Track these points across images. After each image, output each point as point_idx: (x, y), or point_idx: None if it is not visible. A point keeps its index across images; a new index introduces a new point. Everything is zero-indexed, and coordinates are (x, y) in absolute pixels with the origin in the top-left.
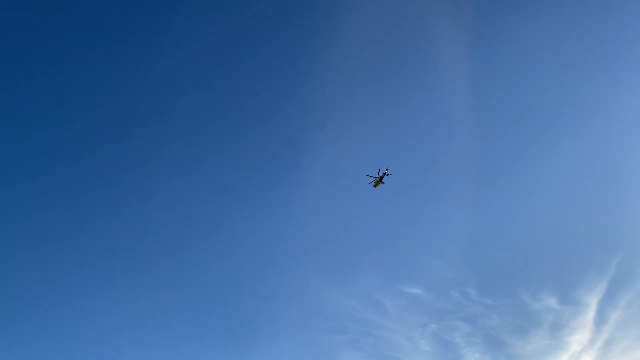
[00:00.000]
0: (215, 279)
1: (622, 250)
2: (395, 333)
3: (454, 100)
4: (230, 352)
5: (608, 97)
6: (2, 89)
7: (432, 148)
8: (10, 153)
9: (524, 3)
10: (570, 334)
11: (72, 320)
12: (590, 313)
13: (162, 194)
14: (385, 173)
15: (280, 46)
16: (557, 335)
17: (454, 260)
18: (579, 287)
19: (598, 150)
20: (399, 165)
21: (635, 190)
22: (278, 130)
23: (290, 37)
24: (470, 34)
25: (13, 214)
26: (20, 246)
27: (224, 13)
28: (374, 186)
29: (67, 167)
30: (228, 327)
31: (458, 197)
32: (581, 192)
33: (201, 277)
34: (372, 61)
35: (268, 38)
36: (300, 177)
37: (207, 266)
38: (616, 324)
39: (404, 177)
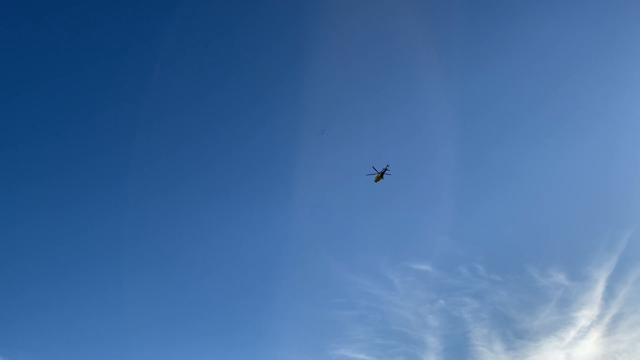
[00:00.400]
0: (226, 259)
1: (632, 226)
2: (403, 309)
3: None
4: (241, 330)
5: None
6: (5, 90)
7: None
8: (11, 155)
9: (516, 7)
10: (579, 309)
11: (74, 321)
12: (599, 289)
13: (170, 189)
14: (386, 169)
15: (278, 50)
16: (565, 311)
17: (462, 237)
18: (588, 263)
19: (610, 128)
20: (407, 149)
21: None
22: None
23: (286, 42)
24: (463, 37)
25: (14, 215)
26: (22, 247)
27: (221, 15)
28: (375, 181)
29: (65, 170)
30: (238, 306)
31: (467, 175)
32: (592, 168)
33: (211, 260)
34: (367, 65)
35: (266, 42)
36: (307, 161)
37: (217, 249)
38: (625, 300)
39: (414, 157)
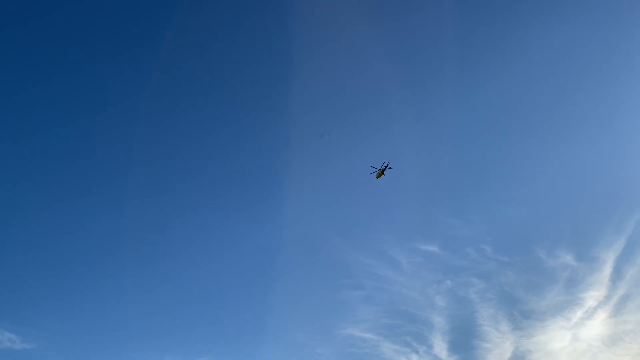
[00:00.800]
0: (234, 242)
1: None
2: (410, 289)
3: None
4: (251, 309)
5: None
6: (5, 90)
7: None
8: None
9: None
10: (586, 290)
11: (72, 319)
12: (607, 270)
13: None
14: (387, 166)
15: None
16: (572, 291)
17: (469, 218)
18: (596, 245)
19: (620, 109)
20: (415, 132)
21: None
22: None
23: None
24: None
25: (14, 213)
26: (22, 246)
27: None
28: (377, 177)
29: (62, 169)
30: (248, 286)
31: (475, 157)
32: (601, 150)
33: (220, 244)
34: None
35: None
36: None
37: (226, 233)
38: (633, 281)
39: (421, 138)
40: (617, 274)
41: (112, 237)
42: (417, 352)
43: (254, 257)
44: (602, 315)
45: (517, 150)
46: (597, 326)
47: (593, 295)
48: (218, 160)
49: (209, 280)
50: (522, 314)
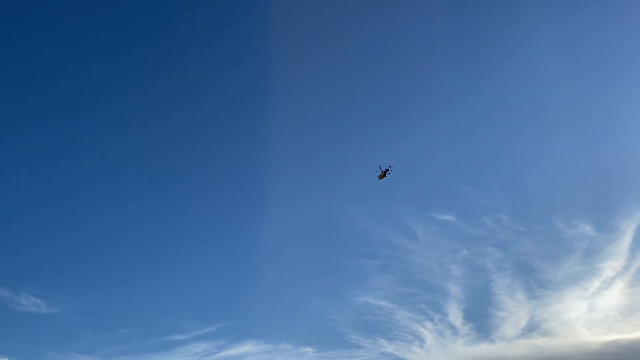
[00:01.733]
0: (253, 213)
1: None
2: (425, 258)
3: None
4: (267, 277)
5: None
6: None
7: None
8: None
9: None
10: (604, 260)
11: (95, 284)
12: (626, 240)
13: None
14: (389, 169)
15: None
16: (590, 261)
17: (486, 187)
18: (616, 214)
19: None
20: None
21: None
22: None
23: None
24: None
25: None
26: (46, 213)
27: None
28: (379, 178)
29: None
30: (263, 254)
31: (492, 126)
32: (622, 118)
33: (237, 217)
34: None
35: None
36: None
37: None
38: None
39: (439, 107)
40: (637, 244)
41: (141, 208)
42: (432, 320)
43: (270, 225)
44: (619, 285)
45: (537, 118)
46: (614, 296)
47: (611, 266)
48: None
49: (226, 249)
50: (538, 284)
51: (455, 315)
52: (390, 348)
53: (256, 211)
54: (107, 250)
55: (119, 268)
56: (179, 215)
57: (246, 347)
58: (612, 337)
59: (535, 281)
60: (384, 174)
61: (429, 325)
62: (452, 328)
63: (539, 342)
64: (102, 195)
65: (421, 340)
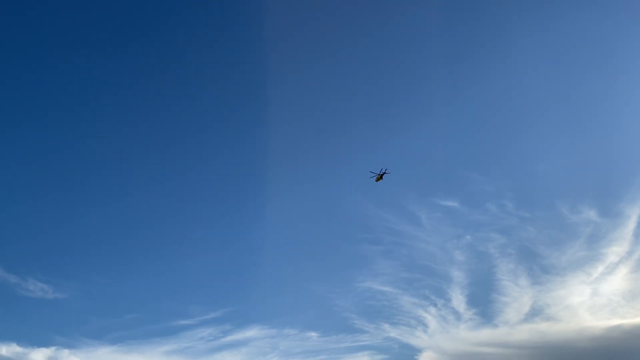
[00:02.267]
0: (257, 200)
1: None
2: (429, 244)
3: None
4: (271, 262)
5: None
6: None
7: None
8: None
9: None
10: (608, 246)
11: (101, 270)
12: (631, 225)
13: None
14: (385, 172)
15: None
16: (594, 247)
17: (491, 173)
18: (620, 200)
19: None
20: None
21: None
22: None
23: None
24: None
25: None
26: (53, 200)
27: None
28: (376, 180)
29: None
30: (268, 241)
31: (497, 111)
32: (626, 105)
33: (241, 205)
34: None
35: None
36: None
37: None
38: None
39: (442, 92)
40: None
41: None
42: (435, 305)
43: (275, 212)
44: (623, 271)
45: (542, 105)
46: (617, 281)
47: (615, 251)
48: None
49: (231, 236)
50: (541, 269)
51: (458, 300)
52: (393, 333)
53: (261, 198)
54: (113, 237)
55: (125, 254)
56: (184, 202)
57: (251, 332)
58: (616, 322)
59: (539, 266)
60: (380, 177)
61: (433, 310)
62: (456, 313)
63: (541, 327)
64: (108, 182)
65: (425, 325)
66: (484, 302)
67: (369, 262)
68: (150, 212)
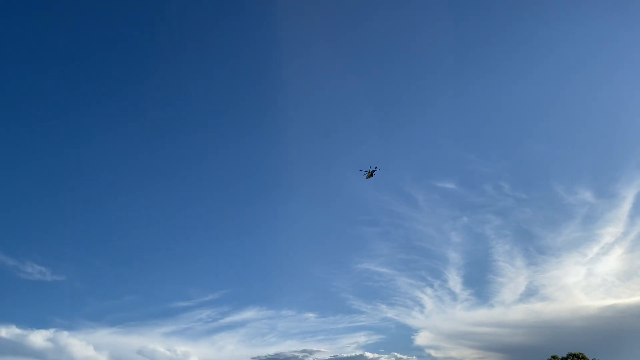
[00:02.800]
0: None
1: None
2: (426, 225)
3: None
4: (269, 244)
5: None
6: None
7: None
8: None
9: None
10: (603, 226)
11: (99, 253)
12: (626, 206)
13: None
14: (376, 169)
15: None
16: (590, 227)
17: (488, 154)
18: (616, 181)
19: None
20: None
21: None
22: None
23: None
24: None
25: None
26: (50, 184)
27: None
28: (367, 177)
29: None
30: (266, 222)
31: (494, 91)
32: (623, 85)
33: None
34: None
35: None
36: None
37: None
38: None
39: (440, 70)
40: (636, 210)
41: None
42: (431, 286)
43: (274, 196)
44: (618, 251)
45: (536, 84)
46: (612, 261)
47: (610, 232)
48: None
49: (228, 219)
50: (537, 250)
51: (455, 281)
52: (390, 313)
53: (260, 183)
54: (110, 218)
55: (123, 236)
56: (183, 186)
57: (249, 313)
58: (610, 301)
59: (535, 247)
60: (371, 174)
61: (429, 291)
62: (452, 294)
63: (537, 307)
64: (111, 175)
65: (421, 305)
66: (480, 282)
67: (367, 244)
68: (148, 198)
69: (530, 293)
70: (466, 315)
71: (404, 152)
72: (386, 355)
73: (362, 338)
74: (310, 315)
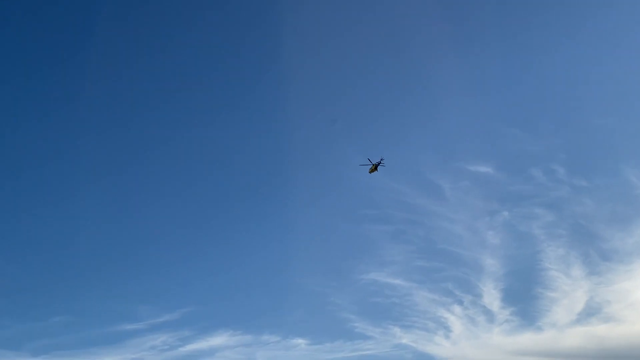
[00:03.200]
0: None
1: None
2: (453, 222)
3: None
4: (244, 244)
5: None
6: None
7: None
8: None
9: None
10: None
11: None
12: None
13: None
14: (380, 162)
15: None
16: None
17: (537, 129)
18: None
19: None
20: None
21: None
22: None
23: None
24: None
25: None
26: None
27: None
28: (370, 172)
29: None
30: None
31: (546, 51)
32: None
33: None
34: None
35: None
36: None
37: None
38: None
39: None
40: None
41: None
42: (461, 302)
43: (248, 178)
44: None
45: (601, 47)
46: None
47: None
48: None
49: (188, 217)
50: (601, 255)
51: (491, 296)
52: (406, 339)
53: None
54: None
55: (49, 237)
56: (134, 178)
57: (219, 339)
58: None
59: (598, 252)
60: (375, 167)
61: (457, 309)
62: (488, 313)
63: (599, 331)
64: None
65: (447, 328)
66: (524, 298)
67: (375, 247)
68: (83, 194)
69: (591, 312)
70: (506, 341)
71: (423, 125)
72: None
73: None
74: (300, 341)
